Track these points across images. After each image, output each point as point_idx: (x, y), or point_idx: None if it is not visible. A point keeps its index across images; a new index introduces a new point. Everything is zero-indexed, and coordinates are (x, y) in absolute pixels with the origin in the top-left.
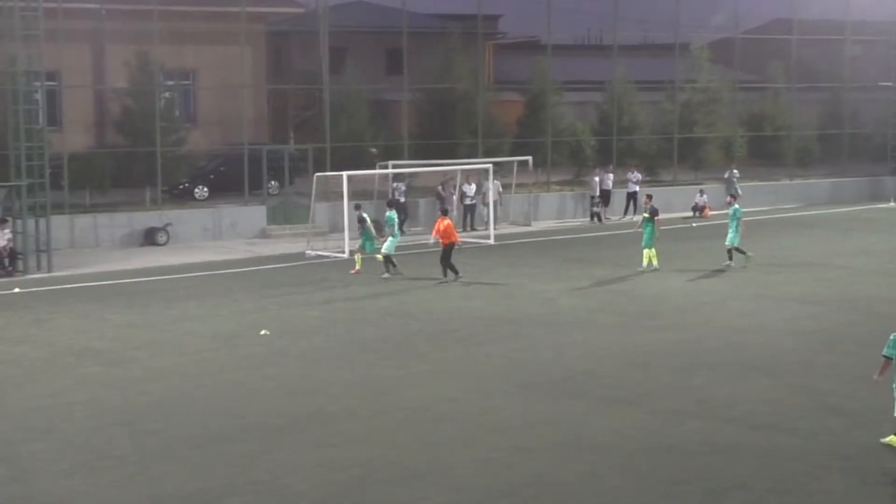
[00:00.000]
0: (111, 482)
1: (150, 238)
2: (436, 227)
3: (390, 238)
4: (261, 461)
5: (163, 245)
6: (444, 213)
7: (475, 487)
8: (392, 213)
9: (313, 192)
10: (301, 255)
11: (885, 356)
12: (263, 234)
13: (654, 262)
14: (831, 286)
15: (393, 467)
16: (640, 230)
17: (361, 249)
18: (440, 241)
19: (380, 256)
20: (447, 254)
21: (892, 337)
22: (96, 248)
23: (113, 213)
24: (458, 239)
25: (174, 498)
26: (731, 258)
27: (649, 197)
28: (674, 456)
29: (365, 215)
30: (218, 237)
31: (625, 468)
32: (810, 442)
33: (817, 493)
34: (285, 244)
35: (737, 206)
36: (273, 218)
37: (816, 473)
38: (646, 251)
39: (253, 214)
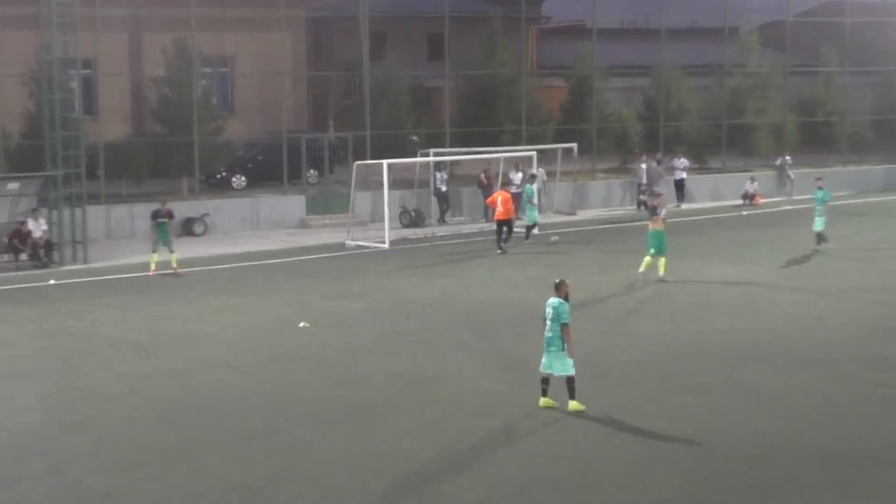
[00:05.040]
0: (150, 475)
1: (187, 228)
2: (493, 196)
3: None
4: (305, 453)
5: (200, 235)
6: (506, 185)
7: (519, 479)
8: (530, 188)
9: (353, 180)
10: (341, 246)
11: None
12: (303, 224)
13: (660, 271)
14: (887, 276)
15: (437, 460)
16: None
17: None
18: (495, 211)
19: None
20: (501, 228)
21: None
22: (133, 239)
23: (150, 203)
24: (514, 214)
25: (217, 490)
26: (822, 241)
27: (655, 195)
28: (719, 448)
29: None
30: (256, 227)
31: (673, 465)
32: (859, 434)
33: (865, 486)
34: (325, 234)
35: (825, 189)
36: (312, 207)
37: (867, 467)
38: (648, 258)
39: (292, 204)
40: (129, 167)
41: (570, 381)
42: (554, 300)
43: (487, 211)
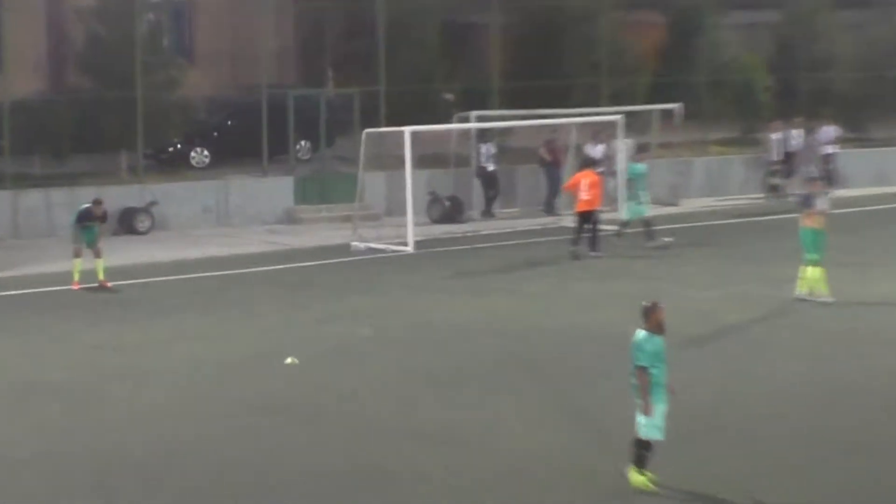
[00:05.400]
0: None
1: (126, 223)
2: (574, 178)
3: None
4: None
5: (145, 233)
6: (590, 164)
7: None
8: (639, 167)
9: (362, 156)
10: (345, 249)
11: None
12: (290, 218)
13: (821, 288)
14: None
15: None
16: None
17: None
18: (576, 199)
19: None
20: (585, 222)
21: None
22: (51, 238)
23: (73, 188)
24: (600, 204)
25: None
26: None
27: (810, 179)
28: None
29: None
30: (225, 222)
31: None
32: None
33: None
34: (322, 233)
35: None
36: (303, 195)
37: None
38: (809, 270)
39: (275, 189)
40: (45, 137)
41: (639, 445)
42: (640, 333)
43: (554, 199)
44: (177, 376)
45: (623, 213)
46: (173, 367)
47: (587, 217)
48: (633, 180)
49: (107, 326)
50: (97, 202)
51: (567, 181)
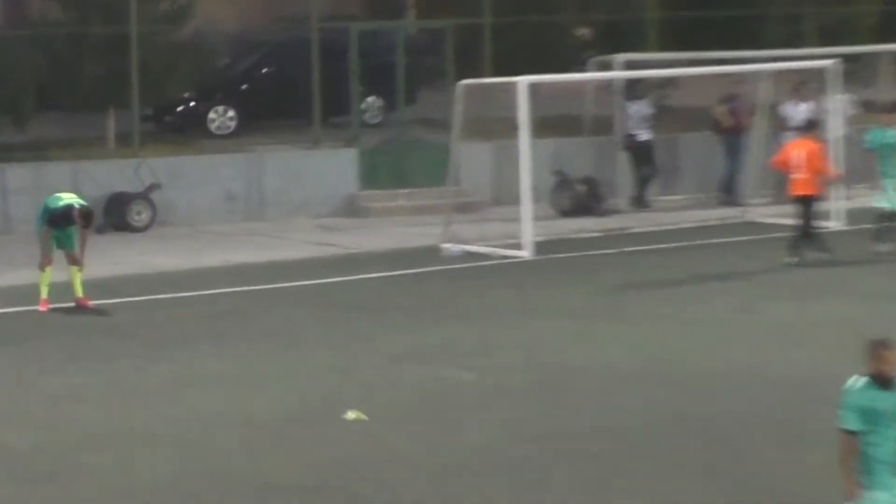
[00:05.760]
0: None
1: (116, 216)
2: (784, 151)
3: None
4: None
5: (142, 230)
6: (809, 127)
7: None
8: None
9: (456, 119)
10: (432, 254)
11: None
12: (352, 209)
13: None
14: None
15: None
16: None
17: None
18: (790, 179)
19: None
20: (807, 207)
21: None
22: (6, 237)
23: (40, 165)
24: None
25: None
26: None
27: None
28: None
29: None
30: (257, 215)
31: None
32: None
33: None
34: (396, 229)
35: None
36: (372, 175)
37: None
38: None
39: (330, 167)
40: (3, 93)
41: None
42: (857, 381)
43: (736, 180)
44: (184, 442)
45: (880, 199)
46: (182, 422)
47: (808, 202)
48: (883, 153)
49: (86, 365)
50: (83, 212)
51: (768, 155)
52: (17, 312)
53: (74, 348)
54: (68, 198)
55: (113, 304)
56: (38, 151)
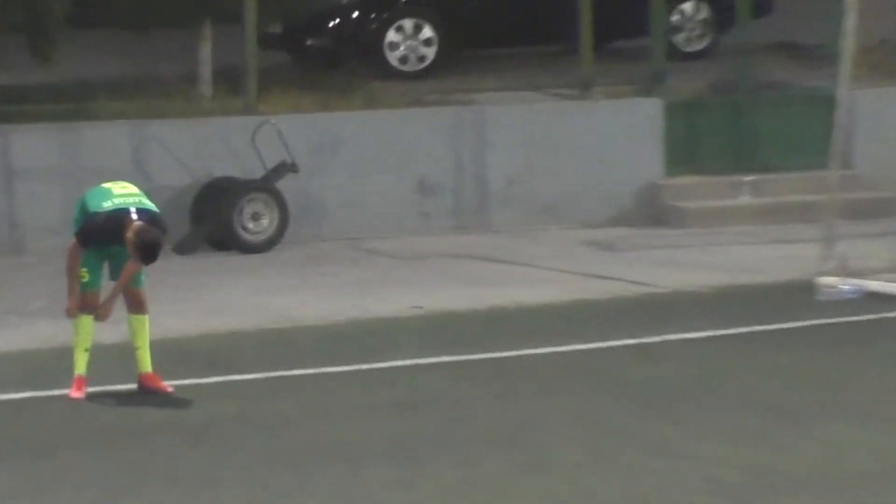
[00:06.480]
0: None
1: (216, 219)
2: None
3: None
4: None
5: (264, 247)
6: None
7: None
8: None
9: (846, 44)
10: (804, 291)
11: None
12: (649, 209)
13: None
14: None
15: None
16: None
17: None
18: None
19: None
20: None
21: None
22: (18, 260)
23: (78, 128)
24: None
25: None
26: None
27: None
28: None
29: None
30: (473, 221)
31: None
32: None
33: None
34: (734, 247)
35: None
36: (687, 149)
37: None
38: None
39: (608, 133)
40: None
41: None
42: None
43: None
44: None
45: None
46: None
47: None
48: None
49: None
50: (146, 229)
51: None
52: (28, 401)
53: (136, 474)
54: (124, 193)
55: (217, 384)
56: (72, 104)
